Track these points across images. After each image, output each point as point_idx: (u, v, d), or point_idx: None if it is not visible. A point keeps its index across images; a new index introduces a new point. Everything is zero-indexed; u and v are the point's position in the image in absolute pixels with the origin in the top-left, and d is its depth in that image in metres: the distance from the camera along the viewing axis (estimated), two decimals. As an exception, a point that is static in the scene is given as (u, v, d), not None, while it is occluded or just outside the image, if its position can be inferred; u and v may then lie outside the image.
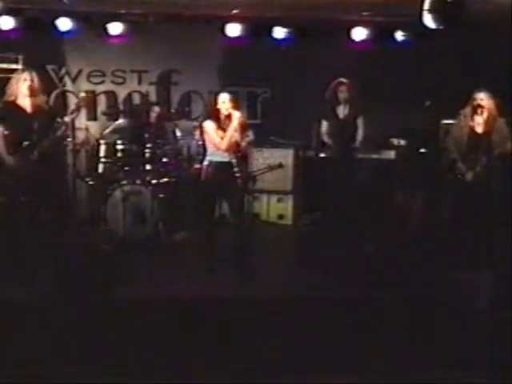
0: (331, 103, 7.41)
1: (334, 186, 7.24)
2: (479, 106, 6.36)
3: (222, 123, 6.00)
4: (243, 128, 6.10)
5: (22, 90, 6.17)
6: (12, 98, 6.21)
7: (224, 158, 6.03)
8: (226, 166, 6.03)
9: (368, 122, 7.55)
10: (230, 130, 5.93)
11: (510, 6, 6.44)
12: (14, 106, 6.20)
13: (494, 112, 6.36)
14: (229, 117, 5.98)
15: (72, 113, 6.71)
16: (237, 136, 6.01)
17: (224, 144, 5.94)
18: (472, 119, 6.43)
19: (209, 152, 6.10)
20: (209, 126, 6.04)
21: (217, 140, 5.98)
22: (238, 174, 6.04)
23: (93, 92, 8.31)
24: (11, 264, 5.79)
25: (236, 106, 6.02)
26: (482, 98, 6.34)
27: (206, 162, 6.10)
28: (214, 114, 6.05)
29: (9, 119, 6.17)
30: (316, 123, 7.58)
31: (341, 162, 7.32)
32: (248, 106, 8.59)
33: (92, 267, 5.62)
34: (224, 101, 5.99)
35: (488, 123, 6.37)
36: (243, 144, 6.16)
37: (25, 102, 6.19)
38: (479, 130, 6.43)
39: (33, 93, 6.19)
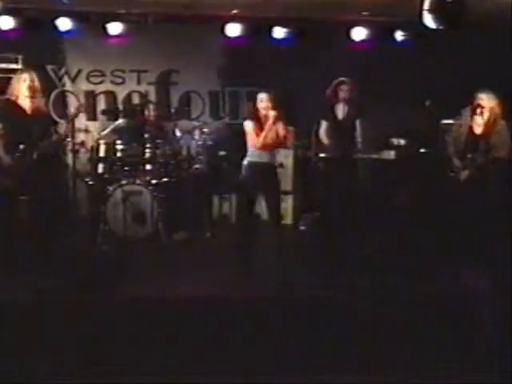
0: (331, 102, 7.40)
1: (334, 185, 7.23)
2: (479, 106, 6.38)
3: (260, 122, 6.06)
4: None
5: (22, 90, 6.17)
6: (12, 97, 6.21)
7: (263, 158, 6.07)
8: (265, 166, 6.08)
9: (368, 121, 7.54)
10: (266, 129, 5.99)
11: (510, 5, 6.45)
12: (14, 105, 6.20)
13: (495, 113, 6.38)
14: (266, 116, 6.05)
15: (72, 117, 6.72)
16: (274, 135, 6.06)
17: (259, 142, 6.00)
18: (472, 119, 6.45)
19: (249, 152, 6.15)
20: (247, 125, 6.11)
21: (254, 138, 6.04)
22: (276, 176, 6.11)
23: (92, 92, 8.32)
24: (11, 264, 5.79)
25: (274, 106, 6.05)
26: (483, 99, 6.37)
27: (245, 162, 6.14)
28: (252, 114, 6.12)
29: (7, 119, 6.17)
30: (316, 123, 7.57)
31: (340, 162, 7.31)
32: (248, 106, 8.62)
33: (92, 267, 5.61)
34: (262, 100, 6.05)
35: (488, 124, 6.40)
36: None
37: (24, 103, 6.19)
38: (478, 130, 6.46)
39: (32, 93, 6.19)
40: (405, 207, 7.39)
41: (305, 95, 7.92)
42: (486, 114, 6.38)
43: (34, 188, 6.18)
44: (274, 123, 5.98)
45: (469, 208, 6.33)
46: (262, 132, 6.00)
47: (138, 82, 8.43)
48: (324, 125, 7.48)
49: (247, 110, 6.40)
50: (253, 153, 6.08)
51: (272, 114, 5.97)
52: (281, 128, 6.05)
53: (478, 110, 6.39)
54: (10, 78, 6.56)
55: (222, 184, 7.99)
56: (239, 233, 6.23)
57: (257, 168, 6.07)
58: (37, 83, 6.26)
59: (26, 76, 6.23)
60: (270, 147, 6.06)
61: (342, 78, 7.18)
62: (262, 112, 6.04)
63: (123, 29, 7.83)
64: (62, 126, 6.56)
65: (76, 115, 6.75)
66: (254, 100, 6.17)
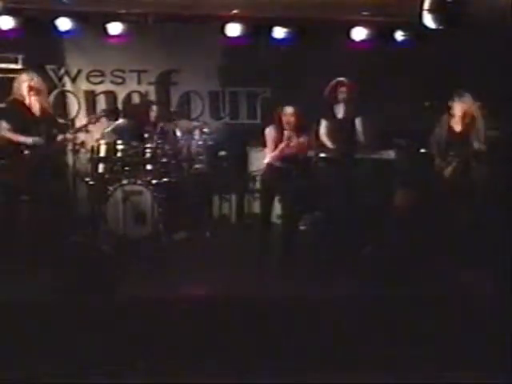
0: (330, 102, 7.40)
1: (334, 185, 7.23)
2: (454, 110, 6.61)
3: (281, 133, 6.13)
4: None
5: (26, 90, 6.19)
6: (18, 97, 6.24)
7: (277, 163, 6.11)
8: (280, 170, 6.10)
9: (367, 121, 7.54)
10: (280, 147, 6.05)
11: (510, 5, 6.45)
12: (21, 105, 6.23)
13: (471, 114, 6.58)
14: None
15: (91, 122, 6.79)
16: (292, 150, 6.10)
17: (274, 155, 6.06)
18: (449, 122, 6.67)
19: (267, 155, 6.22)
20: (268, 132, 6.26)
21: (271, 147, 6.12)
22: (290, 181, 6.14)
23: (92, 92, 8.31)
24: (10, 264, 5.79)
25: (296, 122, 6.10)
26: (457, 104, 6.60)
27: (265, 162, 6.19)
28: (276, 122, 6.20)
29: (15, 118, 6.20)
30: (315, 123, 7.57)
31: (341, 162, 7.31)
32: (248, 106, 8.62)
33: (92, 267, 5.61)
34: (285, 113, 6.10)
35: (465, 124, 6.61)
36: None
37: (30, 103, 6.21)
38: (457, 129, 6.66)
39: (36, 93, 6.22)
40: (405, 207, 7.39)
41: (305, 95, 7.91)
42: (462, 117, 6.60)
43: (35, 188, 6.20)
44: (289, 140, 6.05)
45: (468, 207, 6.39)
46: (279, 142, 6.08)
47: (138, 82, 8.43)
48: (324, 125, 7.48)
49: (273, 116, 6.45)
50: (271, 156, 6.14)
51: (286, 134, 6.05)
52: (298, 143, 6.09)
53: (454, 114, 6.62)
54: (10, 78, 6.58)
55: (222, 184, 8.01)
56: (256, 232, 6.30)
57: (275, 170, 6.11)
58: (39, 83, 6.29)
59: (28, 76, 6.26)
60: (286, 158, 6.11)
61: (340, 79, 7.18)
62: (284, 125, 6.10)
63: (123, 29, 7.83)
64: (67, 127, 6.60)
65: (98, 120, 6.83)
66: (281, 109, 6.25)
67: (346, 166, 7.19)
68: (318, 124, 7.56)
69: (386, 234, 6.75)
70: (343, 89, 7.30)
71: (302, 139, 6.18)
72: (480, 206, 6.54)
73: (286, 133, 6.06)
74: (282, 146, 6.06)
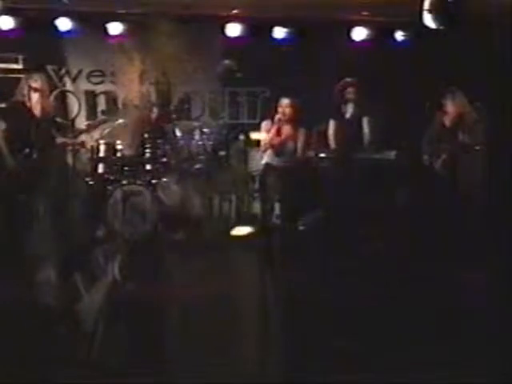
0: (338, 103, 7.39)
1: (334, 185, 7.23)
2: (445, 104, 6.78)
3: (275, 125, 6.09)
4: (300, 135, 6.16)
5: (25, 91, 6.20)
6: (19, 98, 6.25)
7: (274, 161, 6.10)
8: (280, 169, 6.10)
9: (372, 122, 7.54)
10: (272, 132, 6.02)
11: (510, 5, 6.46)
12: (22, 106, 6.23)
13: (463, 111, 6.74)
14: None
15: (91, 127, 6.81)
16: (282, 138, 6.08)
17: (265, 142, 6.03)
18: (441, 120, 6.85)
19: (266, 153, 6.20)
20: (263, 124, 6.25)
21: (263, 139, 6.10)
22: (287, 180, 6.14)
23: (92, 92, 8.32)
24: (10, 263, 5.80)
25: (290, 111, 6.07)
26: (449, 103, 6.78)
27: (263, 162, 6.18)
28: (272, 116, 6.16)
29: (15, 120, 6.21)
30: (316, 123, 7.57)
31: (341, 162, 7.31)
32: (248, 106, 8.62)
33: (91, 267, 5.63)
34: (281, 104, 6.09)
35: (456, 121, 6.76)
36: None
37: (31, 104, 6.22)
38: (448, 125, 6.84)
39: (38, 94, 6.23)
40: (405, 207, 7.40)
41: (305, 95, 7.91)
42: (453, 114, 6.77)
43: (35, 188, 6.20)
44: (278, 125, 6.01)
45: (468, 208, 6.41)
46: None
47: (138, 82, 8.43)
48: (332, 125, 7.45)
49: (270, 110, 6.46)
50: (269, 155, 6.13)
51: (277, 116, 6.00)
52: (290, 131, 6.07)
53: (446, 111, 6.81)
54: (10, 78, 6.59)
55: (222, 184, 8.01)
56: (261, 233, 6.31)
57: (271, 170, 6.11)
58: (41, 84, 6.30)
59: (31, 77, 6.27)
60: (277, 149, 6.08)
61: (348, 79, 7.19)
62: (279, 116, 6.09)
63: (123, 29, 7.84)
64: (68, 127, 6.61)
65: (97, 126, 6.85)
66: (276, 102, 6.24)
67: (346, 166, 7.19)
68: (327, 124, 7.55)
69: (386, 234, 6.74)
70: (351, 90, 7.30)
71: (294, 130, 6.14)
72: (479, 205, 6.57)
73: (276, 117, 6.03)
74: (273, 130, 6.04)
